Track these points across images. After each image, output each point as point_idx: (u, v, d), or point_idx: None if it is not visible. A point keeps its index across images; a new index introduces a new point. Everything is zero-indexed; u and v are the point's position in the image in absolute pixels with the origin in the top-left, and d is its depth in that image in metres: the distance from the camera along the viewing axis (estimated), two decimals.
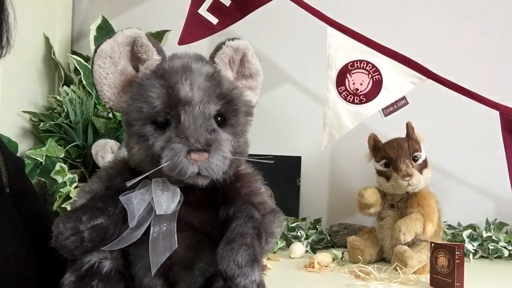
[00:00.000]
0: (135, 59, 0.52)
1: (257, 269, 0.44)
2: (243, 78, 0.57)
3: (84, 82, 1.24)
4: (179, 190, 0.49)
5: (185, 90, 0.47)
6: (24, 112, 1.21)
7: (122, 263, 0.50)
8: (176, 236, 0.48)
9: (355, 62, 1.05)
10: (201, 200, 0.51)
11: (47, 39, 1.29)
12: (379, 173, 1.06)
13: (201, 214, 0.51)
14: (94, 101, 1.23)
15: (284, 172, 1.23)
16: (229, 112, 0.50)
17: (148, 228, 0.49)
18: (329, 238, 1.19)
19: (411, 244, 0.97)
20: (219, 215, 0.51)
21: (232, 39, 0.53)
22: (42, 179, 1.11)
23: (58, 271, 0.50)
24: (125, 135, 0.52)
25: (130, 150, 0.50)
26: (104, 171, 0.54)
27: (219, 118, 0.49)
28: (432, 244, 0.85)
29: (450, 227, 1.18)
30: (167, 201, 0.48)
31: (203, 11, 1.09)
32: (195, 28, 1.09)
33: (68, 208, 1.05)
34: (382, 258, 1.05)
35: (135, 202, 0.49)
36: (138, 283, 0.50)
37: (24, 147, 1.19)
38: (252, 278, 0.44)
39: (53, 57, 1.29)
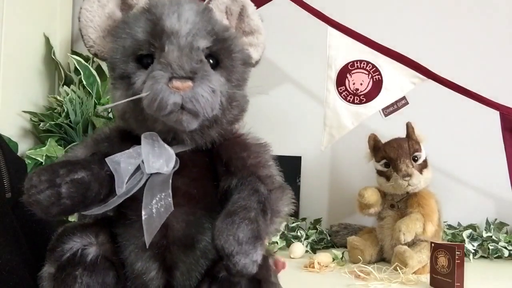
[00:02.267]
0: (124, 4, 0.48)
1: (259, 247, 0.38)
2: (243, 35, 0.51)
3: (84, 82, 1.24)
4: (174, 153, 0.43)
5: (171, 21, 0.42)
6: (24, 112, 1.21)
7: (110, 249, 0.44)
8: (171, 199, 0.41)
9: (355, 62, 1.05)
10: (201, 169, 0.45)
11: (47, 39, 1.29)
12: (379, 173, 1.06)
13: (201, 186, 0.45)
14: (94, 101, 1.23)
15: (284, 172, 1.23)
16: (222, 52, 0.44)
17: (139, 203, 0.42)
18: (329, 238, 1.19)
19: (411, 244, 0.97)
20: (220, 186, 0.45)
21: None
22: None
23: None
24: (110, 87, 0.46)
25: (114, 100, 0.44)
26: (90, 137, 0.48)
27: (211, 61, 0.44)
28: (432, 244, 0.85)
29: (450, 227, 1.18)
30: (159, 159, 0.42)
31: None
32: None
33: None
34: (382, 258, 1.05)
35: (123, 164, 0.42)
36: (130, 270, 0.44)
37: (24, 147, 1.19)
38: (254, 257, 0.37)
39: (53, 57, 1.29)
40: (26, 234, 0.58)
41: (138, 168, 0.43)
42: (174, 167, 0.43)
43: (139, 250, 0.43)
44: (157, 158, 0.42)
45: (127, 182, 0.42)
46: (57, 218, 0.41)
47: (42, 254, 0.61)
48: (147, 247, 0.42)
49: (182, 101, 0.39)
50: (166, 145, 0.43)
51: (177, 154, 0.44)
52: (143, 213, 0.41)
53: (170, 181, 0.42)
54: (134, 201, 0.43)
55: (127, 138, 0.45)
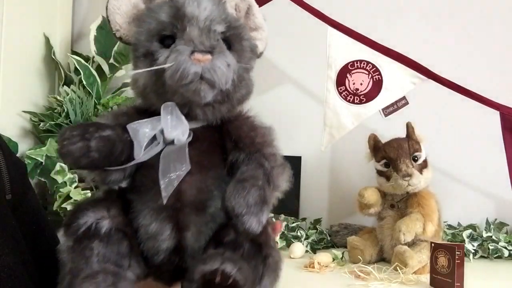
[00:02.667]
0: None
1: (266, 211, 0.44)
2: (248, 30, 0.57)
3: (84, 82, 1.24)
4: (188, 126, 0.48)
5: (192, 8, 0.48)
6: (24, 112, 1.21)
7: (122, 221, 0.47)
8: (189, 165, 0.46)
9: (355, 62, 1.05)
10: (211, 143, 0.50)
11: (47, 39, 1.29)
12: (379, 173, 1.06)
13: (211, 157, 0.50)
14: (94, 101, 1.23)
15: None
16: (233, 38, 0.50)
17: (155, 170, 0.46)
18: (329, 238, 1.19)
19: (411, 244, 0.97)
20: (228, 159, 0.50)
21: None
22: (42, 179, 1.11)
23: (57, 282, 0.49)
24: (132, 68, 0.51)
25: (133, 79, 0.49)
26: (108, 112, 0.53)
27: (224, 43, 0.49)
28: (432, 244, 0.85)
29: (450, 227, 1.18)
30: (176, 129, 0.47)
31: None
32: None
33: (68, 207, 1.05)
34: (382, 258, 1.05)
35: (141, 131, 0.47)
36: (144, 232, 0.47)
37: (24, 147, 1.19)
38: (260, 218, 0.44)
39: (53, 57, 1.29)
40: (26, 235, 0.58)
41: (154, 138, 0.48)
42: (188, 137, 0.48)
43: (154, 212, 0.46)
44: (174, 128, 0.46)
45: (144, 149, 0.46)
46: (86, 169, 0.45)
47: (42, 255, 0.60)
48: (164, 205, 0.46)
49: (202, 71, 0.45)
50: (182, 117, 0.47)
51: (190, 129, 0.49)
52: (161, 177, 0.45)
53: (187, 149, 0.47)
54: (150, 169, 0.47)
55: (144, 115, 0.49)
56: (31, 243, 0.59)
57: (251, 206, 0.43)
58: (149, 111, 0.49)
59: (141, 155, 0.46)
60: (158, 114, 0.48)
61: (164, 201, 0.45)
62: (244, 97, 0.51)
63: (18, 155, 1.08)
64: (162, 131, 0.47)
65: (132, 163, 0.46)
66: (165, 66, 0.44)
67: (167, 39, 0.48)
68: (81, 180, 1.13)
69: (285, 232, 1.14)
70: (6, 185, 0.58)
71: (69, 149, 0.43)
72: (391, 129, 1.09)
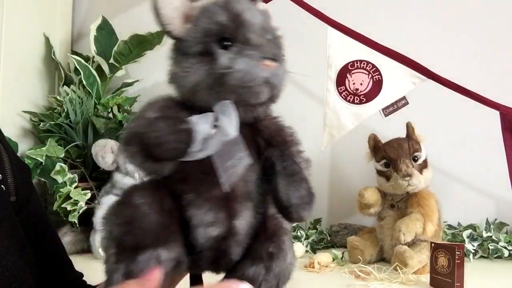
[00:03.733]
0: None
1: (313, 202, 0.50)
2: None
3: (84, 82, 1.24)
4: (239, 123, 0.50)
5: (249, 15, 0.50)
6: (24, 112, 1.21)
7: (172, 206, 0.50)
8: (247, 157, 0.49)
9: (355, 62, 1.05)
10: (247, 140, 0.52)
11: (47, 39, 1.29)
12: (379, 173, 1.06)
13: (250, 152, 0.52)
14: (94, 101, 1.23)
15: None
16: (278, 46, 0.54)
17: (206, 163, 0.48)
18: (329, 238, 1.19)
19: (411, 244, 0.98)
20: (263, 156, 0.53)
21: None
22: (42, 179, 1.11)
23: (60, 285, 0.49)
24: (174, 64, 0.52)
25: (181, 75, 0.50)
26: (149, 104, 0.52)
27: None
28: (432, 244, 0.85)
29: (450, 227, 1.18)
30: (232, 124, 0.49)
31: None
32: None
33: (68, 207, 1.05)
34: (382, 258, 1.05)
35: (202, 126, 0.49)
36: (196, 221, 0.49)
37: (24, 147, 1.19)
38: (311, 208, 0.49)
39: (53, 57, 1.29)
40: (30, 236, 0.59)
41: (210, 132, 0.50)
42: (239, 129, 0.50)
43: (210, 202, 0.49)
44: (230, 123, 0.49)
45: (202, 143, 0.49)
46: (170, 160, 0.47)
47: (45, 256, 0.61)
48: (220, 195, 0.49)
49: (269, 77, 0.49)
50: (236, 114, 0.50)
51: None
52: (221, 170, 0.48)
53: (243, 143, 0.50)
54: (201, 161, 0.49)
55: (186, 110, 0.50)
56: (35, 244, 0.59)
57: (304, 198, 0.49)
58: (192, 107, 0.51)
59: (198, 148, 0.48)
60: (202, 110, 0.50)
61: (227, 190, 0.49)
62: (275, 100, 0.55)
63: (18, 155, 1.08)
64: (218, 127, 0.49)
65: (198, 156, 0.49)
66: (234, 69, 0.47)
67: (224, 41, 0.50)
68: (81, 180, 1.13)
69: None
70: (10, 188, 0.59)
71: (161, 140, 0.45)
72: (391, 129, 1.09)
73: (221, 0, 0.52)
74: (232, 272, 0.50)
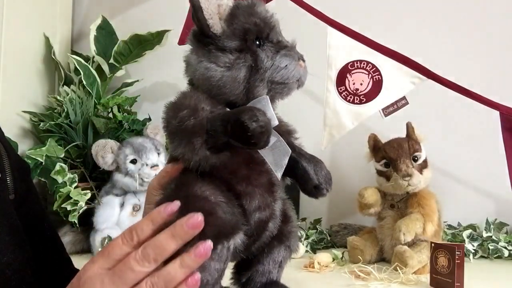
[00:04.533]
0: None
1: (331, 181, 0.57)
2: None
3: (84, 82, 1.24)
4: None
5: (273, 18, 0.55)
6: (24, 112, 1.21)
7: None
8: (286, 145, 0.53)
9: (355, 62, 1.05)
10: None
11: (47, 39, 1.29)
12: (379, 173, 1.06)
13: None
14: (94, 101, 1.23)
15: None
16: None
17: (248, 153, 0.52)
18: (329, 238, 1.19)
19: (411, 244, 0.98)
20: None
21: None
22: (42, 179, 1.11)
23: (60, 281, 0.49)
24: (206, 60, 0.52)
25: (217, 70, 0.51)
26: (190, 96, 0.53)
27: None
28: (432, 244, 0.85)
29: (450, 227, 1.18)
30: (274, 116, 0.51)
31: None
32: None
33: (68, 207, 1.05)
34: (382, 258, 1.05)
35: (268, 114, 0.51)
36: (250, 206, 0.52)
37: (24, 147, 1.19)
38: (330, 188, 0.56)
39: (53, 57, 1.29)
40: (29, 234, 0.59)
41: None
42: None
43: (259, 188, 0.52)
44: (272, 116, 0.51)
45: None
46: (262, 148, 0.49)
47: (44, 253, 0.61)
48: (267, 182, 0.53)
49: (301, 75, 0.54)
50: (271, 108, 0.52)
51: None
52: (272, 160, 0.52)
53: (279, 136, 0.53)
54: (242, 153, 0.52)
55: (216, 105, 0.53)
56: (34, 241, 0.60)
57: (328, 175, 0.57)
58: (220, 101, 0.53)
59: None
60: (231, 104, 0.52)
61: (279, 176, 0.53)
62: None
63: (21, 157, 1.08)
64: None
65: (271, 143, 0.51)
66: (284, 67, 0.52)
67: (258, 40, 0.53)
68: (81, 180, 1.13)
69: None
70: (9, 185, 0.59)
71: (269, 128, 0.48)
72: (391, 129, 1.09)
73: (248, 2, 0.55)
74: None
